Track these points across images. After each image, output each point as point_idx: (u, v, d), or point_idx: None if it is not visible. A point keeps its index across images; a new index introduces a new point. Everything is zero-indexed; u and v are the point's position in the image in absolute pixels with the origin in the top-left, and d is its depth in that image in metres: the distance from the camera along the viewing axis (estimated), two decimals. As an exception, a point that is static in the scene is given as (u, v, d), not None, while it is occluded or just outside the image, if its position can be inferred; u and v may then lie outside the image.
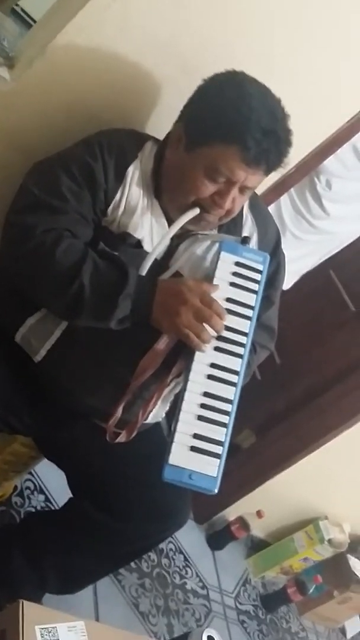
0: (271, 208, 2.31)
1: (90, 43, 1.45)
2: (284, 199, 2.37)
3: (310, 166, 1.87)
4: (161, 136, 1.52)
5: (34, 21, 2.35)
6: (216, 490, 1.26)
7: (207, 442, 1.27)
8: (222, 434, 1.29)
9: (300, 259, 2.55)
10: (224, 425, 1.29)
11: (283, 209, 2.41)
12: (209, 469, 1.26)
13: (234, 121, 1.29)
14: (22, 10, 2.37)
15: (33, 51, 1.49)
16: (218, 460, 1.27)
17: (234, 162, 1.31)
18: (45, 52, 1.44)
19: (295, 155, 1.79)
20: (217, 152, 1.32)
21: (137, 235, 1.41)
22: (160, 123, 1.63)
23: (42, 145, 1.53)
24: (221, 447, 1.28)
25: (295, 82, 1.64)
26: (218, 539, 2.81)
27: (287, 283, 2.49)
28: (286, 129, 1.34)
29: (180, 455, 1.25)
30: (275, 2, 1.53)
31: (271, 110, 1.32)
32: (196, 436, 1.27)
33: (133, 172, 1.42)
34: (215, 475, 1.26)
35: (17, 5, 1.90)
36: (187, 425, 1.28)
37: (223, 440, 1.28)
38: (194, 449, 1.26)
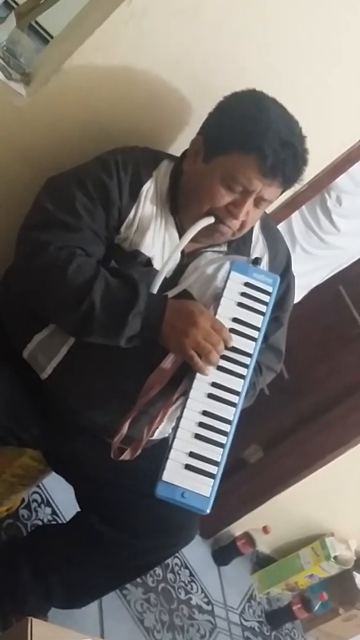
0: (282, 223, 2.32)
1: (105, 60, 1.47)
2: (295, 213, 2.38)
3: (322, 184, 1.87)
4: (174, 151, 1.54)
5: (51, 37, 2.38)
6: (208, 511, 1.25)
7: (202, 461, 1.27)
8: (218, 454, 1.28)
9: (310, 274, 2.55)
10: (221, 445, 1.29)
11: (294, 223, 2.41)
12: (202, 489, 1.25)
13: (253, 131, 1.31)
14: (40, 26, 2.40)
15: (49, 68, 1.50)
16: (212, 480, 1.26)
17: (251, 172, 1.33)
18: (61, 69, 1.45)
19: (308, 172, 1.81)
20: (235, 161, 1.33)
21: (148, 253, 1.42)
22: (173, 140, 1.64)
23: (55, 161, 1.54)
24: (216, 467, 1.27)
25: (307, 101, 1.65)
26: (224, 554, 2.80)
27: (297, 297, 2.49)
28: (303, 146, 1.37)
29: (174, 473, 1.25)
30: (287, 20, 1.54)
31: (289, 124, 1.35)
32: (192, 454, 1.27)
33: (147, 191, 1.43)
34: (208, 496, 1.25)
35: (35, 21, 1.92)
36: (183, 443, 1.28)
37: (219, 460, 1.28)
38: (188, 467, 1.26)
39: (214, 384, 1.33)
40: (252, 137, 1.31)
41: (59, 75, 1.46)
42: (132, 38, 1.45)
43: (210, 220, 1.40)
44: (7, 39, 1.53)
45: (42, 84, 1.49)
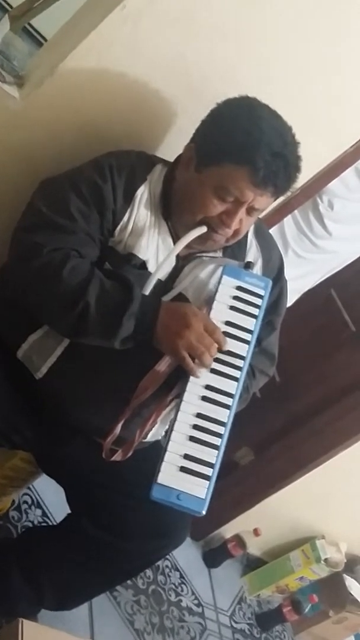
0: (275, 227, 2.33)
1: (100, 63, 1.47)
2: (288, 217, 2.39)
3: (314, 189, 1.89)
4: (168, 155, 1.54)
5: (45, 40, 2.37)
6: (204, 512, 1.26)
7: (197, 463, 1.28)
8: (213, 456, 1.29)
9: (302, 277, 2.56)
10: (215, 447, 1.30)
11: (286, 227, 2.42)
12: (197, 491, 1.26)
13: (245, 142, 1.31)
14: (34, 29, 2.39)
15: (43, 71, 1.50)
16: (207, 482, 1.27)
17: (243, 183, 1.33)
18: (55, 72, 1.46)
19: (301, 177, 1.82)
20: (227, 172, 1.34)
21: (142, 256, 1.42)
22: (167, 143, 1.65)
23: (50, 164, 1.54)
24: (211, 469, 1.28)
25: (299, 106, 1.66)
26: (214, 556, 2.80)
27: (289, 301, 2.50)
28: (295, 155, 1.37)
29: (169, 475, 1.25)
30: (281, 26, 1.55)
31: (282, 134, 1.35)
32: (186, 457, 1.28)
33: (142, 195, 1.44)
34: (203, 497, 1.26)
35: (28, 23, 1.92)
36: (178, 445, 1.29)
37: (214, 462, 1.29)
38: (183, 469, 1.27)
39: (208, 387, 1.34)
40: (244, 149, 1.32)
41: (52, 78, 1.46)
42: (126, 42, 1.46)
43: (203, 229, 1.40)
44: (0, 41, 1.53)
45: (35, 87, 1.49)
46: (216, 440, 1.30)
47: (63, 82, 1.47)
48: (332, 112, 1.75)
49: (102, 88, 1.51)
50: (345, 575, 2.93)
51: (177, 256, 1.46)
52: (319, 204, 2.38)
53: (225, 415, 1.32)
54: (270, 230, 2.28)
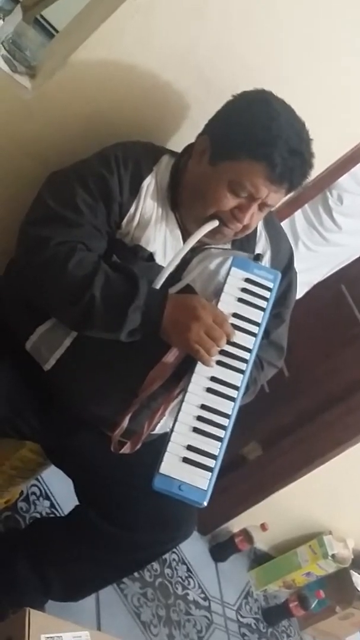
0: (285, 220, 2.32)
1: (111, 54, 1.47)
2: (298, 211, 2.39)
3: (324, 183, 1.88)
4: (178, 147, 1.54)
5: (57, 31, 2.37)
6: (205, 504, 1.25)
7: (200, 454, 1.27)
8: (216, 448, 1.29)
9: (312, 270, 2.57)
10: (219, 439, 1.30)
11: (297, 220, 2.43)
12: (199, 482, 1.25)
13: (263, 139, 1.31)
14: (45, 20, 2.40)
15: (55, 61, 1.50)
16: (210, 474, 1.27)
17: (259, 179, 1.33)
18: (66, 62, 1.46)
19: (312, 171, 1.81)
20: (244, 168, 1.34)
21: (150, 248, 1.42)
22: (177, 134, 1.65)
23: (60, 155, 1.54)
24: (214, 461, 1.28)
25: (310, 100, 1.64)
26: (221, 550, 2.80)
27: (298, 293, 2.51)
28: (310, 151, 1.37)
29: (171, 466, 1.25)
30: (292, 17, 1.54)
31: (298, 130, 1.35)
32: (189, 448, 1.28)
33: (148, 186, 1.43)
34: (205, 489, 1.25)
35: (40, 15, 1.92)
36: (181, 436, 1.29)
37: (217, 453, 1.28)
38: (186, 460, 1.27)
39: (213, 379, 1.33)
40: (262, 145, 1.31)
41: (64, 69, 1.46)
42: (137, 33, 1.45)
43: (215, 223, 1.40)
44: (13, 31, 1.53)
45: (47, 78, 1.50)
46: (220, 432, 1.30)
47: (74, 73, 1.47)
48: (343, 106, 1.74)
49: (113, 79, 1.51)
50: (352, 572, 2.93)
51: None
52: (328, 198, 2.39)
53: (229, 408, 1.32)
54: (281, 224, 2.29)
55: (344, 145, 1.84)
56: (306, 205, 2.37)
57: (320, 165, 1.82)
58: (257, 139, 1.31)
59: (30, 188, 1.46)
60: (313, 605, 2.82)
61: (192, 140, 1.48)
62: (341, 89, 1.71)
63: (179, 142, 1.61)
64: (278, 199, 1.39)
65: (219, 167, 1.37)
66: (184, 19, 1.47)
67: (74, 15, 1.62)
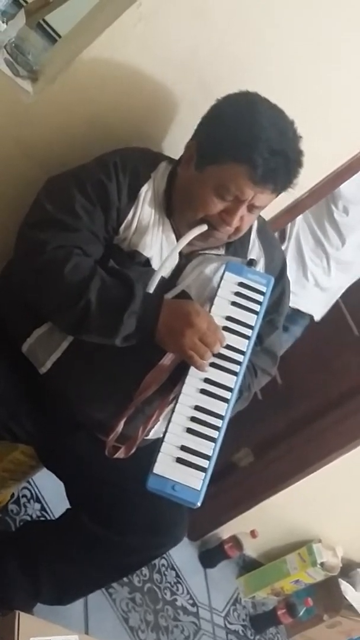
0: (292, 243, 2.33)
1: (113, 60, 1.48)
2: (304, 230, 2.38)
3: (323, 192, 1.88)
4: (178, 153, 1.54)
5: (59, 36, 2.38)
6: (199, 504, 1.26)
7: (193, 455, 1.28)
8: (209, 448, 1.29)
9: (331, 290, 2.53)
10: (212, 439, 1.30)
11: (302, 240, 2.39)
12: (193, 482, 1.26)
13: (244, 140, 1.32)
14: (48, 25, 2.40)
15: (57, 66, 1.51)
16: (203, 474, 1.27)
17: (243, 181, 1.34)
18: (69, 67, 1.46)
19: (310, 180, 1.82)
20: (227, 171, 1.34)
21: (147, 254, 1.43)
22: (177, 140, 1.64)
23: (60, 159, 1.55)
24: (207, 461, 1.28)
25: (310, 108, 1.66)
26: (210, 556, 2.80)
27: (318, 314, 2.52)
28: (296, 150, 1.37)
29: (165, 466, 1.26)
30: (294, 25, 1.55)
31: (282, 130, 1.35)
32: (183, 448, 1.29)
33: (146, 193, 1.44)
34: (198, 489, 1.26)
35: (43, 20, 1.93)
36: (175, 436, 1.29)
37: (210, 454, 1.29)
38: (179, 460, 1.27)
39: (207, 380, 1.34)
40: (242, 147, 1.32)
41: (66, 73, 1.47)
42: (140, 39, 1.46)
43: (203, 228, 1.41)
44: (15, 36, 1.54)
45: (49, 82, 1.50)
46: (213, 433, 1.31)
47: (77, 78, 1.48)
48: (344, 114, 1.75)
49: (115, 85, 1.52)
50: (340, 580, 2.94)
51: (180, 254, 1.46)
52: (333, 212, 2.35)
53: (223, 409, 1.33)
54: (289, 249, 2.31)
55: (343, 154, 1.84)
56: (312, 222, 2.36)
57: (318, 174, 1.84)
58: (237, 141, 1.32)
59: (30, 191, 1.46)
60: (301, 613, 2.82)
61: (192, 147, 1.49)
62: (342, 98, 1.72)
63: (178, 147, 1.61)
64: (266, 200, 1.39)
65: (204, 171, 1.38)
66: (186, 26, 1.48)
67: (76, 20, 1.63)
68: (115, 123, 1.58)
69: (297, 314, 2.45)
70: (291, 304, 2.28)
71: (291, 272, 2.27)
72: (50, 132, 1.56)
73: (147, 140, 1.59)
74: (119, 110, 1.57)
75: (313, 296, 2.46)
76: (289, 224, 2.36)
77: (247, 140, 1.31)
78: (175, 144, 1.65)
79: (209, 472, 1.28)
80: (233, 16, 1.50)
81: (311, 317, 2.52)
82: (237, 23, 1.52)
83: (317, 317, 2.53)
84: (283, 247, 2.35)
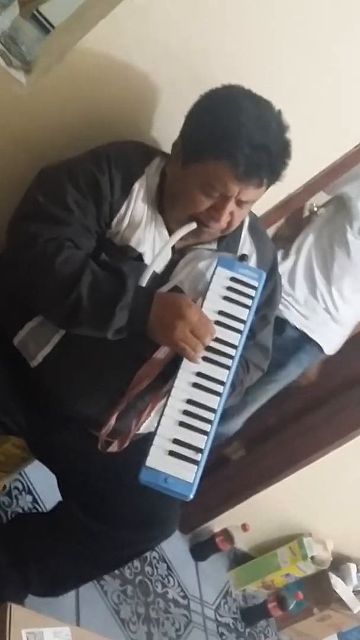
0: (302, 267, 2.26)
1: (107, 52, 1.47)
2: (316, 251, 2.28)
3: (317, 187, 1.89)
4: (169, 147, 1.54)
5: (53, 27, 2.36)
6: (191, 496, 1.26)
7: (186, 447, 1.28)
8: (202, 441, 1.30)
9: (343, 319, 2.39)
10: (204, 433, 1.30)
11: (314, 259, 2.30)
12: (185, 475, 1.26)
13: (224, 137, 1.31)
14: (42, 15, 2.39)
15: (51, 57, 1.50)
16: (195, 467, 1.27)
17: (226, 178, 1.33)
18: (63, 58, 1.46)
19: (304, 175, 1.83)
20: (210, 168, 1.34)
21: (139, 249, 1.43)
22: (170, 134, 1.64)
23: (53, 151, 1.54)
24: (200, 454, 1.28)
25: (304, 103, 1.66)
26: (202, 549, 2.81)
27: (327, 345, 2.37)
28: (280, 142, 1.35)
29: (157, 459, 1.26)
30: (290, 22, 1.55)
31: (263, 123, 1.33)
32: (175, 441, 1.29)
33: (139, 188, 1.44)
34: (191, 482, 1.26)
35: (37, 10, 1.92)
36: (167, 429, 1.29)
37: (202, 447, 1.29)
38: (172, 453, 1.27)
39: (199, 374, 1.34)
40: (223, 143, 1.31)
41: (60, 64, 1.47)
42: (134, 31, 1.46)
43: (193, 225, 1.41)
44: (9, 26, 1.53)
45: (43, 73, 1.50)
46: (206, 427, 1.31)
47: (70, 70, 1.47)
48: (336, 110, 1.75)
49: (108, 77, 1.51)
50: (330, 574, 2.96)
51: (173, 249, 1.46)
52: (347, 231, 2.26)
53: (215, 402, 1.33)
54: (299, 265, 2.28)
55: (336, 151, 1.85)
56: (324, 240, 2.27)
57: (311, 169, 1.84)
58: (218, 138, 1.32)
59: (23, 183, 1.46)
60: (291, 606, 2.84)
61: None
62: (337, 93, 1.72)
63: (170, 141, 1.61)
64: (254, 194, 1.38)
65: (189, 169, 1.38)
66: (179, 19, 1.47)
67: (70, 11, 1.62)
68: (109, 115, 1.57)
69: (305, 340, 2.32)
70: (300, 326, 2.27)
71: (302, 289, 2.26)
72: (43, 124, 1.55)
73: (140, 132, 1.59)
74: (112, 102, 1.56)
75: (324, 322, 2.32)
76: (299, 239, 2.32)
77: (227, 136, 1.31)
78: (167, 138, 1.63)
79: (202, 465, 1.28)
80: (228, 11, 1.50)
81: (321, 348, 2.36)
82: (232, 18, 1.52)
83: (327, 349, 2.38)
84: (291, 263, 2.30)
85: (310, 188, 1.87)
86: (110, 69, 1.50)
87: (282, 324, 2.26)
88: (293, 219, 2.40)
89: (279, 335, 2.22)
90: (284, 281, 2.25)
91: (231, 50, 1.56)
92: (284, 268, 2.28)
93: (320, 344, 2.34)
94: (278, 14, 1.53)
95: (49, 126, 1.56)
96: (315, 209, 2.63)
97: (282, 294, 2.16)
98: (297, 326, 2.28)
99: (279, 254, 2.30)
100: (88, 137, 1.52)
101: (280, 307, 2.19)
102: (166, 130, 1.64)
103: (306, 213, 2.57)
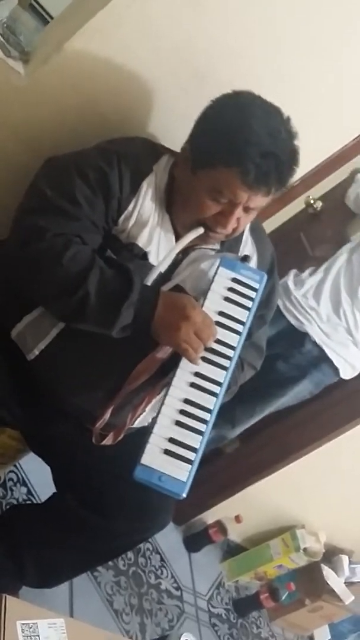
0: (329, 282, 2.26)
1: (106, 43, 1.47)
2: (345, 273, 2.29)
3: (314, 181, 1.89)
4: (167, 140, 1.54)
5: (51, 17, 2.35)
6: (184, 495, 1.27)
7: (181, 447, 1.29)
8: (197, 441, 1.30)
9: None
10: (200, 432, 1.31)
11: (342, 279, 2.30)
12: (179, 473, 1.27)
13: (234, 145, 1.31)
14: (40, 5, 2.38)
15: (49, 48, 1.49)
16: (190, 466, 1.28)
17: (235, 185, 1.33)
18: (61, 49, 1.45)
19: (300, 169, 1.82)
20: (219, 175, 1.34)
21: (145, 247, 1.43)
22: (167, 129, 1.65)
23: (51, 142, 1.54)
24: (194, 454, 1.29)
25: (302, 97, 1.66)
26: (195, 541, 2.83)
27: (344, 368, 2.37)
28: (289, 150, 1.35)
29: (153, 457, 1.27)
30: (290, 17, 1.55)
31: (273, 131, 1.33)
32: (171, 440, 1.29)
33: (148, 186, 1.43)
34: (184, 480, 1.27)
35: (35, 0, 1.91)
36: (163, 428, 1.30)
37: (197, 447, 1.30)
38: (167, 452, 1.28)
39: (197, 374, 1.35)
40: (234, 151, 1.31)
41: (59, 55, 1.46)
42: (133, 23, 1.45)
43: (200, 231, 1.41)
44: (7, 16, 1.52)
45: (41, 64, 1.49)
46: (201, 426, 1.32)
47: (69, 60, 1.47)
48: (334, 105, 1.76)
49: (107, 68, 1.50)
50: (323, 565, 2.98)
51: None
52: None
53: (211, 403, 1.34)
54: (326, 284, 2.29)
55: (333, 144, 1.85)
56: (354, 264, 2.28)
57: (309, 163, 1.85)
58: (228, 145, 1.31)
59: (21, 174, 1.46)
60: (283, 598, 2.86)
61: (183, 133, 1.48)
62: (333, 89, 1.72)
63: (167, 135, 1.61)
64: (261, 201, 1.39)
65: (198, 175, 1.38)
66: (180, 11, 1.47)
67: (68, 1, 1.61)
68: (108, 106, 1.57)
69: (323, 359, 2.33)
70: (320, 342, 2.27)
71: (326, 306, 2.26)
72: (41, 115, 1.55)
73: (139, 125, 1.59)
74: (111, 93, 1.56)
75: (344, 343, 2.32)
76: (330, 259, 2.34)
77: (237, 144, 1.30)
78: (166, 131, 1.64)
79: (196, 464, 1.29)
80: (229, 5, 1.49)
81: (337, 370, 2.37)
82: (233, 10, 1.51)
83: (343, 372, 2.38)
84: (318, 278, 2.31)
85: (307, 181, 1.87)
86: (109, 60, 1.50)
87: (302, 337, 2.29)
88: (324, 241, 2.42)
89: (298, 349, 2.29)
90: (310, 295, 2.29)
91: (232, 43, 1.55)
92: (311, 282, 2.31)
93: (337, 366, 2.35)
94: (279, 10, 1.53)
95: (45, 116, 1.56)
96: (312, 201, 2.65)
97: (306, 308, 2.25)
98: (317, 341, 2.29)
99: (307, 271, 2.36)
100: (87, 128, 1.52)
101: (303, 320, 2.26)
102: (165, 121, 1.64)
103: (303, 206, 2.58)
